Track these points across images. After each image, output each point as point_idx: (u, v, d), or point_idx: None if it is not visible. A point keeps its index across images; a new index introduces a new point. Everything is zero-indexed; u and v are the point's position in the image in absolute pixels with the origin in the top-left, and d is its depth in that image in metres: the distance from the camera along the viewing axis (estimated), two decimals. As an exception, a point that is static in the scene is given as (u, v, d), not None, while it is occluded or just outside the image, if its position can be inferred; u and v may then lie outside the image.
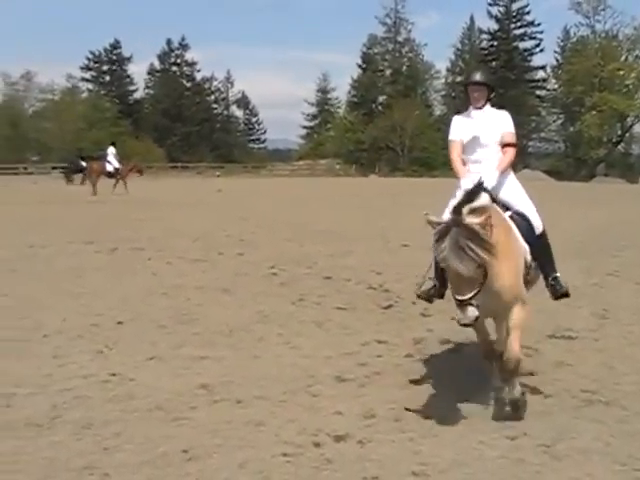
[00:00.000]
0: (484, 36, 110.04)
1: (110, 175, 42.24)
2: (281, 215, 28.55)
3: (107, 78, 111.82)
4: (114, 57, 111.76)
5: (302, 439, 6.35)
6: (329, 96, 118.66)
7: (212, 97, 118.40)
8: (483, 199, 6.72)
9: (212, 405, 7.23)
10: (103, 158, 43.03)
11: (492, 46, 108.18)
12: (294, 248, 18.55)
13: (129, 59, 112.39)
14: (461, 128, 7.75)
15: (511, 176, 7.78)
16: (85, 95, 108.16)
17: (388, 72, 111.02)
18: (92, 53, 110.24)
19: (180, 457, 5.94)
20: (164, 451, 6.04)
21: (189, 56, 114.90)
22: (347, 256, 17.14)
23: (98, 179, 41.16)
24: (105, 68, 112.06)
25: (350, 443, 6.28)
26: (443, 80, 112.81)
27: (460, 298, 6.18)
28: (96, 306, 11.46)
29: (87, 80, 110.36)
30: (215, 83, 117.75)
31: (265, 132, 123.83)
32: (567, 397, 7.46)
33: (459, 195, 6.97)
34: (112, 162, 42.52)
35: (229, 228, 23.00)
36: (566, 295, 7.79)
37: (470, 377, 7.82)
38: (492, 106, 7.84)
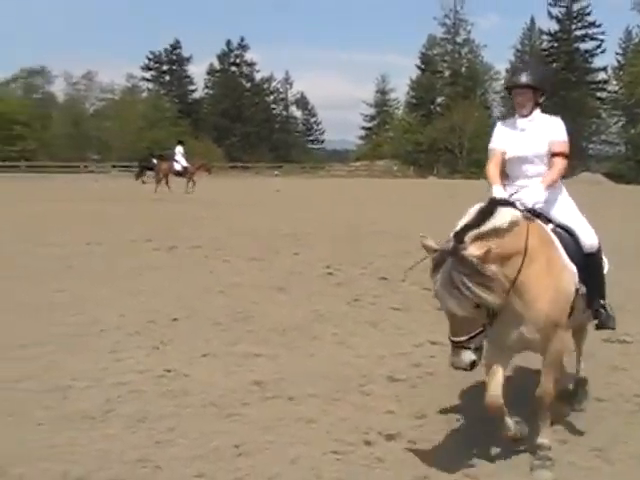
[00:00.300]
0: (545, 37, 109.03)
1: (178, 174, 42.71)
2: (338, 215, 28.57)
3: (167, 78, 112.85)
4: (174, 57, 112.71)
5: (353, 437, 6.38)
6: (388, 97, 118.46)
7: (271, 97, 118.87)
8: (500, 219, 5.46)
9: (264, 402, 7.29)
10: (171, 157, 43.56)
11: (553, 47, 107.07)
12: (350, 248, 18.57)
13: (189, 59, 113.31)
14: (503, 138, 6.62)
15: (561, 191, 6.62)
16: (145, 95, 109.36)
17: (447, 73, 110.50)
18: (152, 53, 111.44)
19: (232, 452, 6.02)
20: (216, 446, 6.12)
21: (248, 56, 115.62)
22: (403, 257, 17.09)
23: (165, 178, 41.67)
24: (165, 68, 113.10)
25: (401, 442, 6.31)
26: (503, 81, 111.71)
27: (454, 340, 5.36)
28: (153, 303, 11.60)
29: (147, 80, 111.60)
30: (274, 84, 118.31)
31: (323, 133, 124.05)
32: (621, 401, 7.40)
33: (470, 214, 5.65)
34: (180, 161, 43.00)
35: (286, 227, 23.10)
36: (611, 328, 6.68)
37: (523, 378, 7.77)
38: (543, 112, 6.59)
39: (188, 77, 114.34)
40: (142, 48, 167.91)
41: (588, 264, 6.24)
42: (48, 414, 6.79)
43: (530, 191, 6.17)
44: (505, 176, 6.65)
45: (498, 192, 6.22)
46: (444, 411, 7.06)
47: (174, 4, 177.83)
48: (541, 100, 6.56)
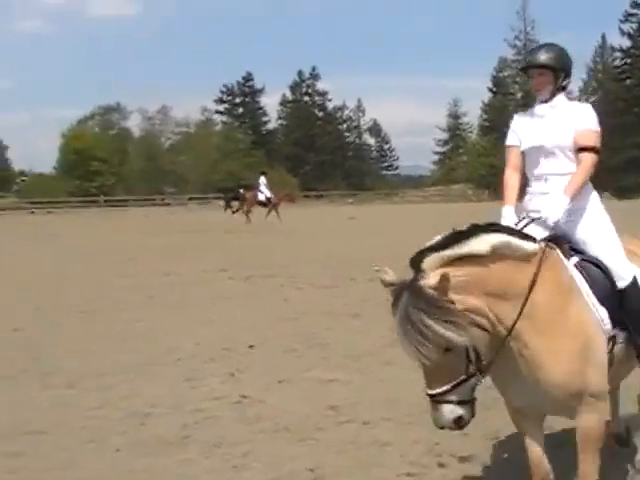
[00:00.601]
0: (617, 54, 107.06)
1: (262, 204, 43.53)
2: (411, 241, 28.34)
3: (240, 110, 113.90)
4: (247, 89, 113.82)
5: (427, 460, 6.39)
6: (460, 121, 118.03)
7: (344, 126, 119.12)
8: (479, 244, 4.40)
9: (339, 426, 7.33)
10: (255, 188, 44.42)
11: (625, 64, 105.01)
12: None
13: (261, 91, 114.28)
14: (521, 130, 5.42)
15: (591, 198, 5.30)
16: (219, 127, 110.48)
17: (519, 95, 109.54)
18: (225, 86, 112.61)
19: (306, 476, 6.07)
20: (291, 470, 6.17)
21: (320, 86, 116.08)
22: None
23: (251, 208, 42.45)
24: (238, 100, 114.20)
25: (475, 464, 6.29)
26: (576, 101, 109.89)
27: (429, 393, 4.26)
28: (228, 331, 11.75)
29: (221, 113, 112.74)
30: (346, 112, 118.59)
31: (397, 159, 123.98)
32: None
33: (439, 236, 4.63)
34: (264, 191, 43.93)
35: (360, 254, 23.09)
36: None
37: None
38: (569, 98, 5.54)
39: (261, 108, 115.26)
40: (215, 81, 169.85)
41: (624, 300, 4.93)
42: (126, 440, 6.94)
43: (550, 205, 4.99)
44: (525, 179, 5.50)
45: (508, 215, 5.18)
46: (518, 433, 7.00)
47: (245, 37, 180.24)
48: (564, 84, 5.46)
